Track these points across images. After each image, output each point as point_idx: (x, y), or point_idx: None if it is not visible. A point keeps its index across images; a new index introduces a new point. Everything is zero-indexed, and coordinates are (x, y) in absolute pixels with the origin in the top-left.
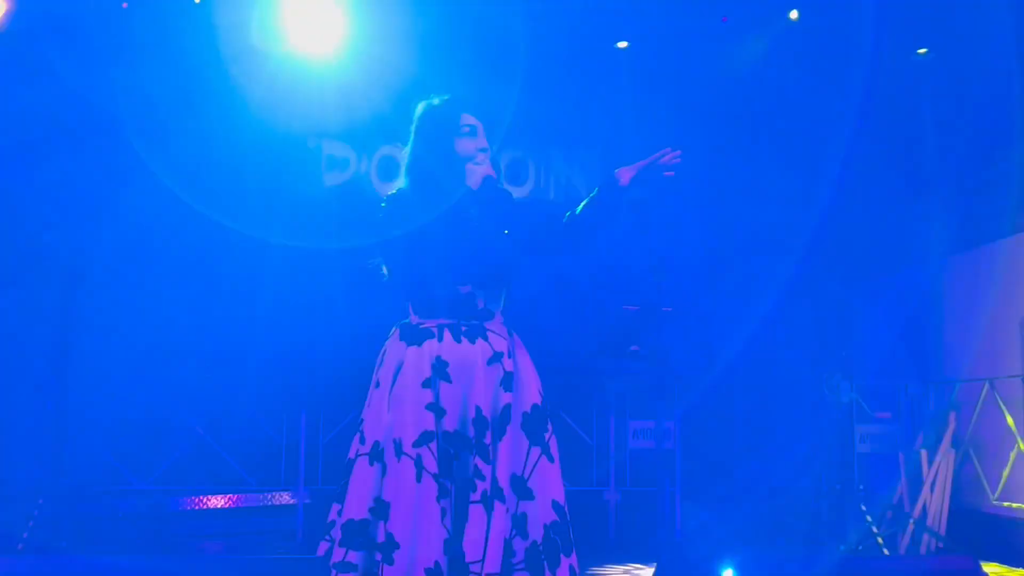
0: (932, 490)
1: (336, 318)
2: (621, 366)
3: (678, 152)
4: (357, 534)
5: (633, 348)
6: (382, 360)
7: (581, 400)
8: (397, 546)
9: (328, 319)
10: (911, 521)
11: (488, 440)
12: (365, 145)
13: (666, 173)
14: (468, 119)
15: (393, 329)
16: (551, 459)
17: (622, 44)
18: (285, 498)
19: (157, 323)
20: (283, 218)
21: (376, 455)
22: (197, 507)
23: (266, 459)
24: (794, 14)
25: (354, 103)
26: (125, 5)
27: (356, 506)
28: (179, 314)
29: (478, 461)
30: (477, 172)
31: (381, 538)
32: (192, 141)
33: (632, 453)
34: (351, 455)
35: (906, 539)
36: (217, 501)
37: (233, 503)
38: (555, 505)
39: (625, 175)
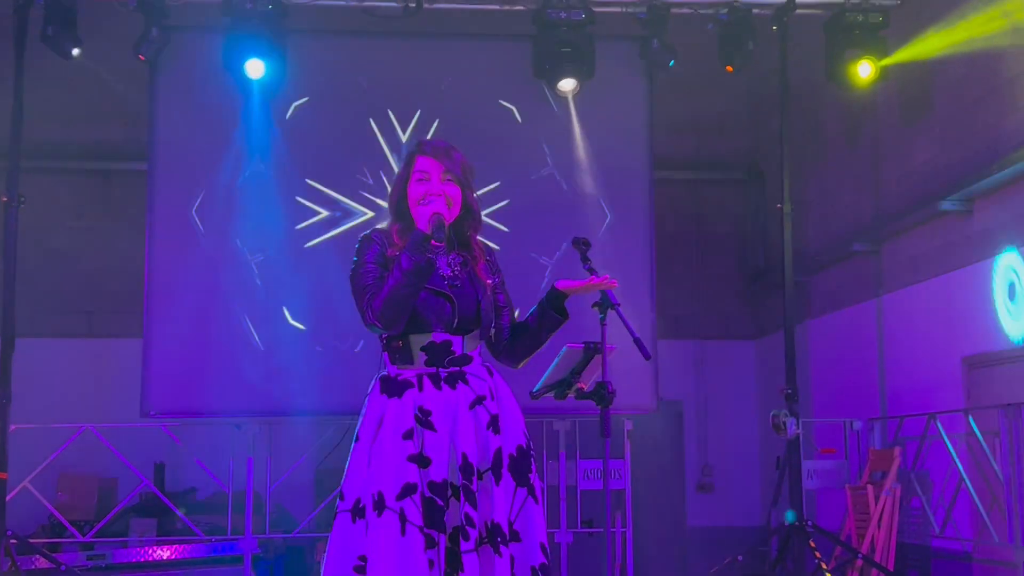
0: (879, 525)
1: None
2: (567, 405)
3: (614, 283)
4: None
5: (579, 386)
6: (363, 413)
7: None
8: None
9: None
10: (859, 556)
11: (475, 487)
12: None
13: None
14: (423, 164)
15: (373, 382)
16: (536, 500)
17: None
18: (233, 548)
19: None
20: None
21: (358, 512)
22: (144, 559)
23: (213, 508)
24: None
25: None
26: None
27: (338, 565)
28: None
29: (468, 508)
30: (424, 213)
31: None
32: None
33: (582, 494)
34: (336, 510)
35: (855, 574)
36: (163, 552)
37: (180, 554)
38: (542, 547)
39: (563, 285)
